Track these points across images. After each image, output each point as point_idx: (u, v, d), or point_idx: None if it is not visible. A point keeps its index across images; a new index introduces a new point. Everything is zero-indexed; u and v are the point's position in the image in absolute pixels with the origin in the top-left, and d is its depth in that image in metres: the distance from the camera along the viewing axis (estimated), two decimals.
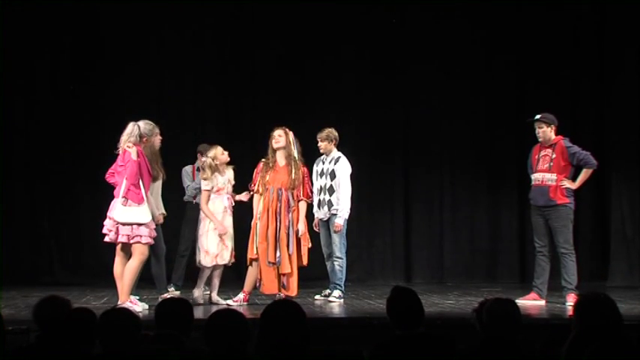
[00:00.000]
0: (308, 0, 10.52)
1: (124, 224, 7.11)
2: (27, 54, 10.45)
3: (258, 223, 7.74)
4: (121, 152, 7.30)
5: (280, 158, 7.82)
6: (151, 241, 7.24)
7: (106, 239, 7.23)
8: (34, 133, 10.58)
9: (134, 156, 7.16)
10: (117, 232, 7.14)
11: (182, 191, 9.05)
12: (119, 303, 7.13)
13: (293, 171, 7.78)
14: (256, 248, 7.70)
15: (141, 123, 7.36)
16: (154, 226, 7.36)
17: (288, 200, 7.75)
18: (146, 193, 7.22)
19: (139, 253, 7.18)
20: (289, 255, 7.70)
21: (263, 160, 7.88)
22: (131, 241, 7.14)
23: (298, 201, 7.81)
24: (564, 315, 6.91)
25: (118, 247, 7.26)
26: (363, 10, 10.67)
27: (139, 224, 7.13)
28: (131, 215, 7.12)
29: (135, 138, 7.26)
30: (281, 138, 7.81)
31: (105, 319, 3.92)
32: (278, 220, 7.71)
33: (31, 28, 10.46)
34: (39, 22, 10.49)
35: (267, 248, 7.66)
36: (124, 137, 7.28)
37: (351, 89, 10.84)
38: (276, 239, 7.68)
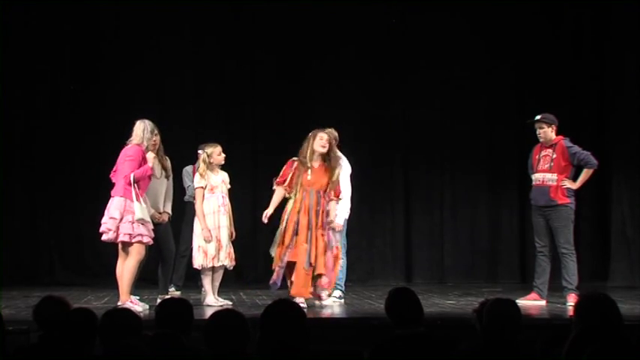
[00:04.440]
0: (308, 1, 10.52)
1: (139, 222, 7.12)
2: (27, 54, 10.45)
3: (295, 226, 7.58)
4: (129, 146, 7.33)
5: (317, 160, 7.72)
6: (151, 240, 7.25)
7: (104, 238, 7.23)
8: (35, 133, 10.57)
9: (151, 163, 7.27)
10: (117, 231, 7.14)
11: (182, 191, 9.05)
12: (119, 303, 7.14)
13: (334, 173, 7.69)
14: (278, 251, 7.61)
15: (146, 120, 7.44)
16: (152, 227, 7.37)
17: (323, 202, 7.68)
18: (142, 194, 7.22)
19: (137, 253, 7.19)
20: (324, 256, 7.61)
21: (296, 159, 7.74)
22: (133, 240, 7.14)
23: (329, 201, 7.72)
24: (565, 315, 6.91)
25: (120, 247, 7.26)
26: (364, 11, 10.66)
27: (140, 222, 7.14)
28: (145, 212, 7.17)
29: (149, 134, 7.35)
30: (328, 144, 7.71)
31: (106, 319, 3.92)
32: (317, 223, 7.61)
33: (31, 28, 10.46)
34: (39, 23, 10.49)
35: (309, 251, 7.52)
36: (139, 133, 7.33)
37: (351, 89, 10.82)
38: (317, 241, 7.58)
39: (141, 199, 7.20)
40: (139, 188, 7.19)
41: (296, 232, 7.55)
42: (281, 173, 7.78)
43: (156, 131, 7.75)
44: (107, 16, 10.65)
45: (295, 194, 7.65)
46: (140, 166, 7.22)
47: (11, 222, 10.31)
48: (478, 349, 3.86)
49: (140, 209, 7.16)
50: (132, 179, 7.15)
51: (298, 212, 7.59)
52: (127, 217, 7.14)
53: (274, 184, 7.80)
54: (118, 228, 7.14)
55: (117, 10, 10.59)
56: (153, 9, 10.49)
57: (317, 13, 10.62)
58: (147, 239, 7.20)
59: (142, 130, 7.34)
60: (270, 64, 10.83)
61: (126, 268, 7.20)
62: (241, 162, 10.43)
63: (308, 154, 7.68)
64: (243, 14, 10.86)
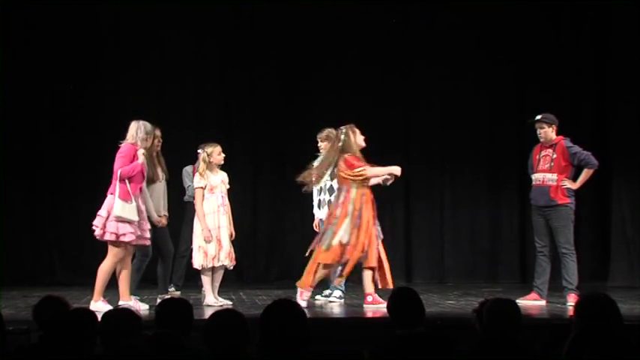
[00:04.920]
0: (308, 1, 10.52)
1: (114, 219, 7.09)
2: (28, 55, 10.45)
3: (357, 221, 7.60)
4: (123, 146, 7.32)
5: None
6: (135, 239, 7.18)
7: (95, 234, 7.22)
8: (35, 134, 10.57)
9: (141, 160, 7.22)
10: (103, 229, 7.13)
11: (182, 191, 9.05)
12: (92, 301, 7.18)
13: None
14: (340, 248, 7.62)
15: (143, 122, 7.42)
16: (149, 227, 7.34)
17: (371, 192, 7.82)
18: (133, 192, 7.19)
19: (115, 254, 7.17)
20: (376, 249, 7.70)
21: (354, 154, 7.76)
22: (122, 239, 7.11)
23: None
24: (565, 315, 6.91)
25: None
26: (364, 10, 10.66)
27: (127, 221, 7.10)
28: (125, 210, 7.11)
29: (143, 134, 7.34)
30: None
31: (106, 319, 3.93)
32: (373, 213, 7.74)
33: (31, 28, 10.46)
34: (39, 23, 10.49)
35: (367, 245, 7.64)
36: (133, 133, 7.33)
37: (351, 89, 10.82)
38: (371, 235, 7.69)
39: (132, 198, 7.14)
40: (130, 184, 7.16)
41: (357, 227, 7.57)
42: (358, 163, 7.68)
43: (157, 133, 7.76)
44: (107, 16, 10.65)
45: (356, 188, 7.66)
46: (131, 163, 7.21)
47: (11, 222, 10.31)
48: (478, 349, 3.86)
49: (121, 207, 7.11)
50: (118, 175, 7.15)
51: (360, 209, 7.61)
52: (113, 214, 7.15)
53: (366, 166, 7.68)
54: (104, 226, 7.14)
55: (117, 10, 10.59)
56: (153, 9, 10.49)
57: (317, 14, 10.62)
58: (129, 238, 7.13)
59: (136, 129, 7.34)
60: (271, 65, 10.84)
61: (101, 270, 7.19)
62: (241, 162, 10.44)
63: (356, 149, 7.77)
64: (243, 14, 10.86)
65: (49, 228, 10.60)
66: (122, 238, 7.12)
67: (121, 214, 7.11)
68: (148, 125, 7.43)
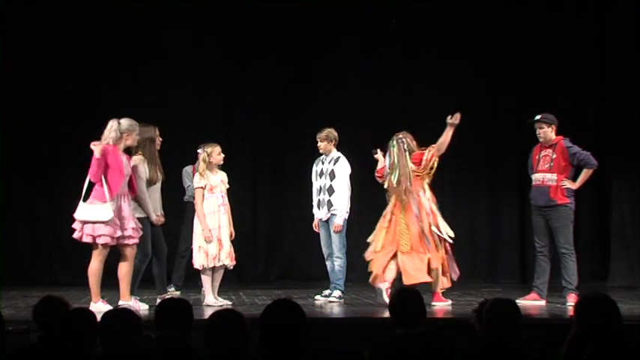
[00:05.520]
0: (308, 1, 10.51)
1: (85, 222, 7.06)
2: (27, 55, 10.45)
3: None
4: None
5: None
6: (111, 241, 7.09)
7: (74, 235, 7.19)
8: (34, 133, 10.58)
9: (97, 154, 7.01)
10: (81, 231, 7.10)
11: (182, 191, 9.05)
12: (92, 303, 7.17)
13: None
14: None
15: (122, 120, 7.25)
16: (139, 226, 7.29)
17: None
18: (112, 192, 7.07)
19: (97, 254, 7.14)
20: None
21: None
22: (97, 241, 7.08)
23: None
24: (565, 315, 6.92)
25: (121, 249, 7.23)
26: (364, 10, 10.65)
27: (99, 222, 7.03)
28: (92, 213, 7.05)
29: (116, 133, 7.15)
30: None
31: (106, 319, 3.93)
32: None
33: (32, 28, 10.47)
34: (41, 23, 10.50)
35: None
36: (105, 133, 7.19)
37: (351, 89, 10.83)
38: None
39: (108, 199, 7.02)
40: (107, 181, 7.06)
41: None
42: (422, 154, 7.95)
43: (157, 133, 7.73)
44: (107, 15, 10.63)
45: (427, 185, 8.00)
46: (106, 165, 7.06)
47: (11, 222, 10.32)
48: (478, 349, 3.86)
49: (83, 208, 7.06)
50: (103, 181, 7.06)
51: (436, 202, 7.98)
52: (76, 218, 7.12)
53: (430, 149, 7.99)
54: (82, 228, 7.11)
55: (117, 10, 10.58)
56: (153, 9, 10.49)
57: (317, 12, 10.62)
58: (104, 240, 7.05)
59: (109, 128, 7.18)
60: (271, 65, 10.84)
61: (90, 272, 7.16)
62: (241, 162, 10.44)
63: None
64: (243, 14, 10.86)
65: (48, 228, 10.60)
66: (98, 240, 7.06)
67: (83, 217, 7.06)
68: (126, 122, 7.22)
